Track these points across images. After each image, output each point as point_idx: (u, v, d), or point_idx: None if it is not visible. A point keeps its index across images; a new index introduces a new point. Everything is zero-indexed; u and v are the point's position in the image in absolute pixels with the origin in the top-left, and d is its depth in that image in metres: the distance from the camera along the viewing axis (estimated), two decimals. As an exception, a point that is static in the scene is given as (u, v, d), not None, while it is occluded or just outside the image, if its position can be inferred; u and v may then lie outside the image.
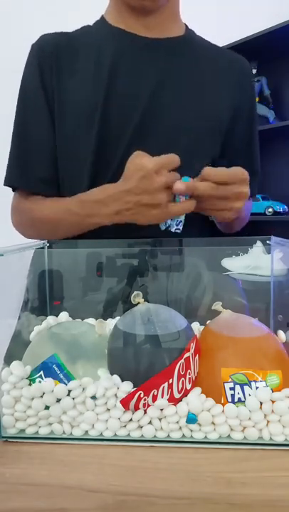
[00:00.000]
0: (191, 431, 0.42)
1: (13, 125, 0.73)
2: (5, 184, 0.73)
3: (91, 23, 0.77)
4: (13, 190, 0.76)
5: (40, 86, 0.70)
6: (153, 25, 0.71)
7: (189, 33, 0.77)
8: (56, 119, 0.70)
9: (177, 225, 0.58)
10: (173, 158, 0.54)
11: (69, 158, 0.71)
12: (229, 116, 0.75)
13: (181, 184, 0.54)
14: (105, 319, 0.54)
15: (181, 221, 0.58)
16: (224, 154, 0.76)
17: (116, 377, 0.43)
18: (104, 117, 0.68)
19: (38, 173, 0.71)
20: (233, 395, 0.42)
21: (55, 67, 0.70)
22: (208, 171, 0.54)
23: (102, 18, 0.76)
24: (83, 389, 0.43)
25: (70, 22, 0.80)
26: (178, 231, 0.58)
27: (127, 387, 0.42)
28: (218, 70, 0.75)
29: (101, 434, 0.43)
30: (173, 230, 0.58)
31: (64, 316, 0.57)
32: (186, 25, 0.78)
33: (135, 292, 0.47)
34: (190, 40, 0.76)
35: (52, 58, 0.70)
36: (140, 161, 0.54)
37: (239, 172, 0.56)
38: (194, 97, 0.72)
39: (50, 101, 0.70)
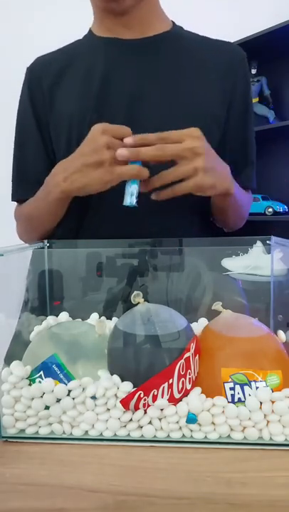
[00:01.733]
0: (191, 431, 0.42)
1: (13, 147, 0.79)
2: (12, 200, 0.79)
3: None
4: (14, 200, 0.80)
5: (31, 107, 0.75)
6: (133, 25, 0.72)
7: (175, 29, 0.76)
8: (52, 134, 0.74)
9: (131, 198, 0.54)
10: (123, 127, 0.55)
11: None
12: (224, 108, 0.73)
13: (122, 150, 0.53)
14: (110, 318, 0.54)
15: (132, 192, 0.54)
16: (219, 147, 0.75)
17: (116, 377, 0.43)
18: (92, 123, 0.69)
19: (33, 183, 0.73)
20: (233, 395, 0.42)
21: (46, 87, 0.74)
22: (147, 136, 0.53)
23: (90, 30, 0.78)
24: (83, 389, 0.43)
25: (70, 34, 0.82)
26: (132, 204, 0.54)
27: (127, 387, 0.42)
28: (207, 62, 0.73)
29: (101, 434, 0.43)
30: (127, 203, 0.54)
31: (64, 316, 0.57)
32: (174, 22, 0.77)
33: (135, 292, 0.47)
34: (175, 35, 0.75)
35: (42, 79, 0.74)
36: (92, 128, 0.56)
37: (186, 130, 0.53)
38: (183, 93, 0.71)
39: (42, 121, 0.74)
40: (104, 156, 0.54)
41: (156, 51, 0.72)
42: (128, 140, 0.53)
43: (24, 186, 0.76)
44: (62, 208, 0.66)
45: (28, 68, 0.78)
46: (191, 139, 0.53)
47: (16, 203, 0.80)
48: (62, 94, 0.72)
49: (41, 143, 0.75)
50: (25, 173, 0.77)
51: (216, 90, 0.72)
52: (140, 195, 0.55)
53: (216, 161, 0.59)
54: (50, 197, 0.63)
